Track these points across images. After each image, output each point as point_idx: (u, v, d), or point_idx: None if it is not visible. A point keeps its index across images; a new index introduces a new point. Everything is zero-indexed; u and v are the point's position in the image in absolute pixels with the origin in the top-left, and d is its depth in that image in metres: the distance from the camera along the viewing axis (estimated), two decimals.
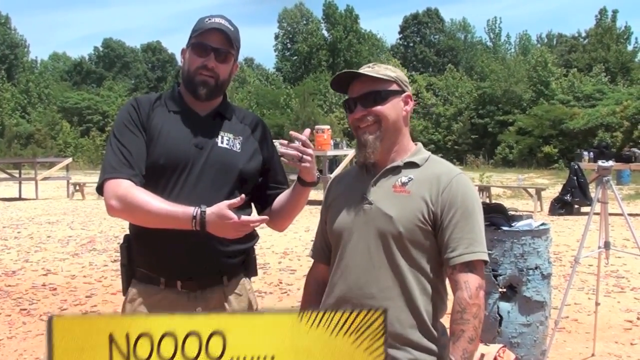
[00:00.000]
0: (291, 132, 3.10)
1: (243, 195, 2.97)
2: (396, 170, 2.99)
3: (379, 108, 2.93)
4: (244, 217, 2.97)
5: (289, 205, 3.39)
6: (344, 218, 3.02)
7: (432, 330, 2.92)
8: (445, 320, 3.01)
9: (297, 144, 3.08)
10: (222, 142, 3.31)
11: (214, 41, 3.25)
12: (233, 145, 3.32)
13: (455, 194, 2.89)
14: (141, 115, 3.29)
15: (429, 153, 3.10)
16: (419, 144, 3.12)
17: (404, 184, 2.93)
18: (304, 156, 3.09)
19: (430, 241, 2.91)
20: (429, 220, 2.88)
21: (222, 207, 2.94)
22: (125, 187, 3.10)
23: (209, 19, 3.30)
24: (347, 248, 2.99)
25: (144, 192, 3.09)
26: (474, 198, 2.96)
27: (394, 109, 2.96)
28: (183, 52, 3.39)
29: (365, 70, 2.99)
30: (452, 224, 2.87)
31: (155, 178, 3.20)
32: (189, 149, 3.24)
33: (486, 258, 2.89)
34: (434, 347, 2.92)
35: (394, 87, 2.98)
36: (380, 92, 2.94)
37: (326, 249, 3.22)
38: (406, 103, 3.02)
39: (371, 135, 2.94)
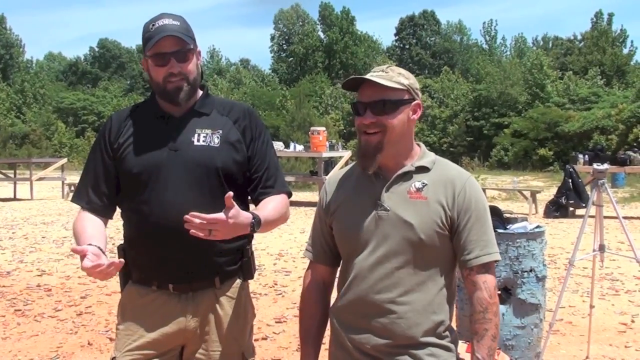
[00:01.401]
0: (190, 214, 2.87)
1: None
2: (408, 175, 2.98)
3: (388, 119, 2.89)
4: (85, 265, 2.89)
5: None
6: (356, 223, 3.00)
7: (447, 329, 2.98)
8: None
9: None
10: (198, 140, 3.30)
11: (168, 46, 3.22)
12: (210, 141, 3.30)
13: (470, 198, 2.94)
14: (111, 133, 3.39)
15: (434, 154, 3.11)
16: (423, 146, 3.12)
17: (419, 190, 2.94)
18: (212, 230, 2.89)
19: (445, 244, 2.94)
20: (446, 225, 2.91)
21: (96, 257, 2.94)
22: (76, 218, 3.41)
23: (153, 25, 3.25)
24: (362, 253, 2.97)
25: (81, 222, 3.34)
26: (485, 201, 3.03)
27: (402, 119, 2.93)
28: (144, 62, 3.36)
29: (378, 75, 2.93)
30: (468, 227, 2.92)
31: (132, 187, 3.27)
32: (161, 154, 3.25)
33: (499, 257, 2.97)
34: (450, 345, 2.98)
35: (406, 96, 2.94)
36: (391, 101, 2.90)
37: (328, 251, 3.20)
38: (415, 112, 2.99)
39: (373, 144, 2.92)
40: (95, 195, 3.36)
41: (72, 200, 3.49)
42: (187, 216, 2.83)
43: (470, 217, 2.92)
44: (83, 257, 2.89)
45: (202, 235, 2.86)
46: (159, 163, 3.24)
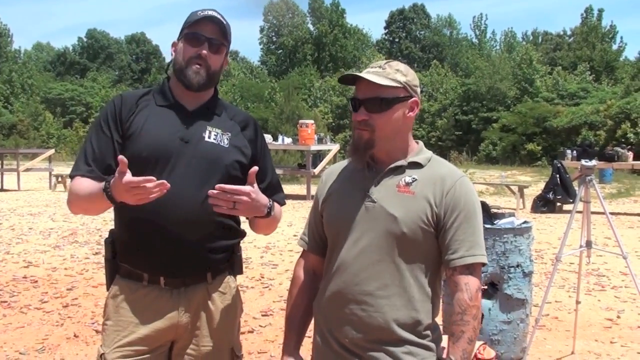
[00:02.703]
0: (217, 186, 2.96)
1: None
2: (400, 169, 2.97)
3: (379, 117, 2.88)
4: (129, 178, 2.87)
5: (259, 224, 3.40)
6: (343, 213, 3.00)
7: (427, 328, 2.94)
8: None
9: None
10: (209, 137, 3.30)
11: (208, 31, 3.25)
12: (221, 141, 3.31)
13: (459, 197, 2.90)
14: (122, 112, 3.30)
15: (431, 153, 3.08)
16: (421, 143, 3.10)
17: (408, 184, 2.93)
18: (236, 203, 2.98)
19: (430, 242, 2.91)
20: (432, 222, 2.89)
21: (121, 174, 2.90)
22: (73, 182, 3.24)
23: (202, 11, 3.29)
24: (346, 244, 2.97)
25: (84, 182, 3.18)
26: (476, 201, 2.98)
27: (395, 118, 2.91)
28: (174, 45, 3.37)
29: (375, 71, 2.92)
30: (455, 227, 2.88)
31: (138, 171, 3.19)
32: (173, 143, 3.23)
33: (485, 261, 2.92)
34: (430, 344, 2.94)
35: (401, 93, 2.92)
36: (385, 99, 2.89)
37: (319, 240, 3.20)
38: (411, 109, 2.97)
39: (364, 139, 2.92)
40: (96, 164, 3.24)
41: (72, 174, 3.30)
42: (212, 191, 2.91)
43: (457, 216, 2.88)
44: (122, 173, 2.87)
45: (225, 209, 2.96)
46: (169, 151, 3.22)
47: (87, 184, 3.15)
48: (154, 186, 2.86)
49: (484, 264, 2.92)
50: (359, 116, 2.90)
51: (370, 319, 2.88)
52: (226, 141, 3.32)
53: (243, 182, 3.25)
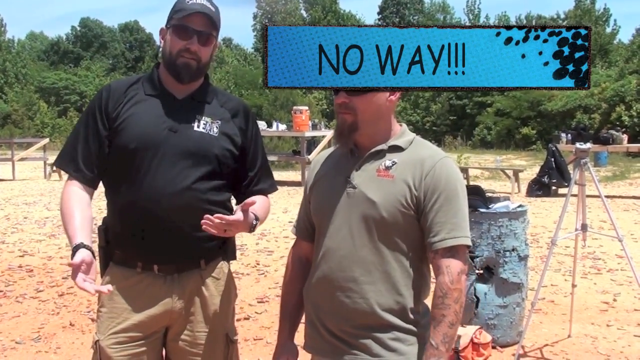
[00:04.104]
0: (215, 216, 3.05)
1: (213, 216, 3.00)
2: (380, 154, 2.95)
3: (359, 101, 2.86)
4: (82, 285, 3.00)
5: None
6: (327, 200, 3.00)
7: (414, 312, 2.93)
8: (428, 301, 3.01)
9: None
10: (198, 126, 3.30)
11: (197, 24, 3.23)
12: (210, 129, 3.31)
13: (438, 178, 2.87)
14: (109, 105, 3.31)
15: (414, 135, 3.06)
16: (404, 126, 3.08)
17: (387, 168, 2.91)
18: (227, 230, 3.07)
19: (413, 225, 2.89)
20: (412, 205, 2.86)
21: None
22: (64, 188, 3.34)
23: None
24: (329, 230, 2.97)
25: (71, 198, 3.27)
26: (459, 182, 2.94)
27: (377, 101, 2.89)
28: (162, 31, 3.36)
29: None
30: (435, 209, 2.85)
31: (127, 162, 3.22)
32: (160, 133, 3.24)
33: (468, 243, 2.89)
34: (414, 328, 2.92)
35: None
36: None
37: (309, 227, 3.20)
38: (393, 93, 2.94)
39: (348, 122, 2.90)
40: (85, 165, 3.30)
41: (58, 165, 3.43)
42: (207, 216, 2.98)
43: (438, 197, 2.85)
44: (76, 270, 2.96)
45: (215, 233, 3.03)
46: (157, 142, 3.23)
47: (69, 210, 3.23)
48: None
49: (467, 246, 2.89)
50: (339, 99, 2.88)
51: (356, 305, 2.88)
52: (216, 129, 3.32)
53: (233, 170, 3.28)
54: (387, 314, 2.88)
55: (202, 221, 2.97)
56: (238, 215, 3.06)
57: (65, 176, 3.44)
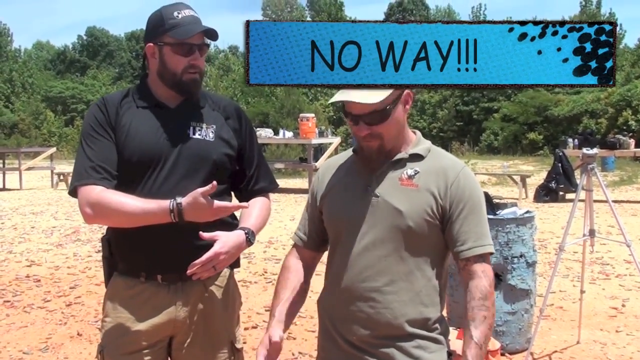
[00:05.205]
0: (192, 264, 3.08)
1: (215, 183, 2.97)
2: (401, 162, 2.93)
3: (382, 127, 2.82)
4: (218, 203, 3.01)
5: None
6: (346, 209, 2.97)
7: (436, 322, 2.93)
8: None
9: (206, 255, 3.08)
10: (194, 133, 3.30)
11: (195, 38, 3.24)
12: (206, 135, 3.32)
13: (463, 189, 2.88)
14: (109, 115, 3.28)
15: (429, 142, 3.04)
16: (418, 134, 3.06)
17: (410, 177, 2.90)
18: (216, 266, 3.10)
19: (436, 234, 2.89)
20: (437, 215, 2.87)
21: (195, 195, 2.97)
22: (97, 193, 3.12)
23: (178, 13, 3.24)
24: (350, 240, 2.94)
25: (116, 194, 3.12)
26: (480, 191, 2.96)
27: (397, 118, 2.86)
28: (150, 48, 3.31)
29: (364, 94, 2.72)
30: (461, 218, 2.86)
31: (129, 176, 3.20)
32: (161, 144, 3.24)
33: (493, 250, 2.92)
34: (439, 337, 2.93)
35: (395, 94, 2.81)
36: (382, 111, 2.78)
37: (315, 236, 3.18)
38: (406, 103, 2.91)
39: (375, 149, 2.87)
40: (108, 172, 3.18)
41: (79, 185, 3.15)
42: (190, 270, 3.04)
43: (464, 207, 2.86)
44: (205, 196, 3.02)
45: (207, 275, 3.13)
46: (156, 153, 3.22)
47: (129, 200, 3.10)
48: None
49: (491, 253, 2.92)
50: (362, 131, 2.83)
51: (379, 316, 2.86)
52: (211, 134, 3.33)
53: (228, 171, 3.34)
54: (411, 324, 2.87)
55: (191, 273, 3.07)
56: (211, 252, 3.07)
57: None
